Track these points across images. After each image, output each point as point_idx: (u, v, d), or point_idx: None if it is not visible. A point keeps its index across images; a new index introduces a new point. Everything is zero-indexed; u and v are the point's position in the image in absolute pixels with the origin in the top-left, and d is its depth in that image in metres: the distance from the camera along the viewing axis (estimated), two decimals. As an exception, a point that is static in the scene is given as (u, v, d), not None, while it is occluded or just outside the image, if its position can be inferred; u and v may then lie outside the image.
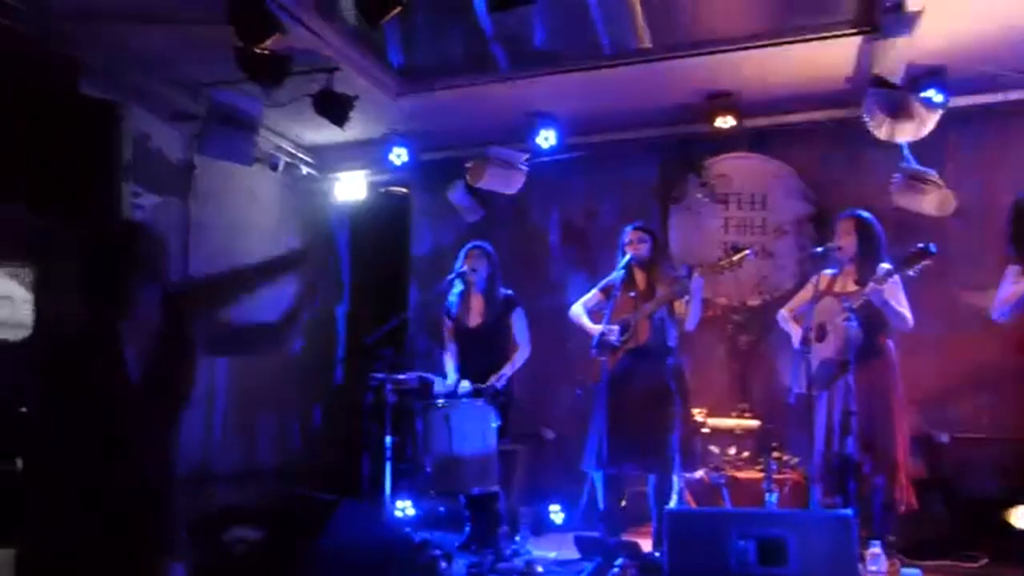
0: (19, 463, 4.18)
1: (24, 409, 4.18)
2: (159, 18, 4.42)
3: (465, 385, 5.00)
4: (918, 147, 5.24)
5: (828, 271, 4.60)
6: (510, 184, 6.16)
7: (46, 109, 4.35)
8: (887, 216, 4.86)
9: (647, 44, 5.02)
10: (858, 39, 4.79)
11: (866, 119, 5.07)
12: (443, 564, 4.43)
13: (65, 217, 4.37)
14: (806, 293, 4.70)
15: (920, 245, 4.14)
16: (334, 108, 5.03)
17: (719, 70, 5.24)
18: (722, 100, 5.62)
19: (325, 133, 5.92)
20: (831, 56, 5.01)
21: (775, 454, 5.20)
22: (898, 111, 4.96)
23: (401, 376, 5.34)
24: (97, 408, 4.11)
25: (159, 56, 4.95)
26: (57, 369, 3.34)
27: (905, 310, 4.34)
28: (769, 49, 4.92)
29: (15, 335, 5.02)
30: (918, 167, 5.27)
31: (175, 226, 5.52)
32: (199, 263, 5.65)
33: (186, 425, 5.45)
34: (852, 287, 4.45)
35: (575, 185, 6.58)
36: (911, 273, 4.19)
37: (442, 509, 5.50)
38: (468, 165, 6.21)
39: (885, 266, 4.34)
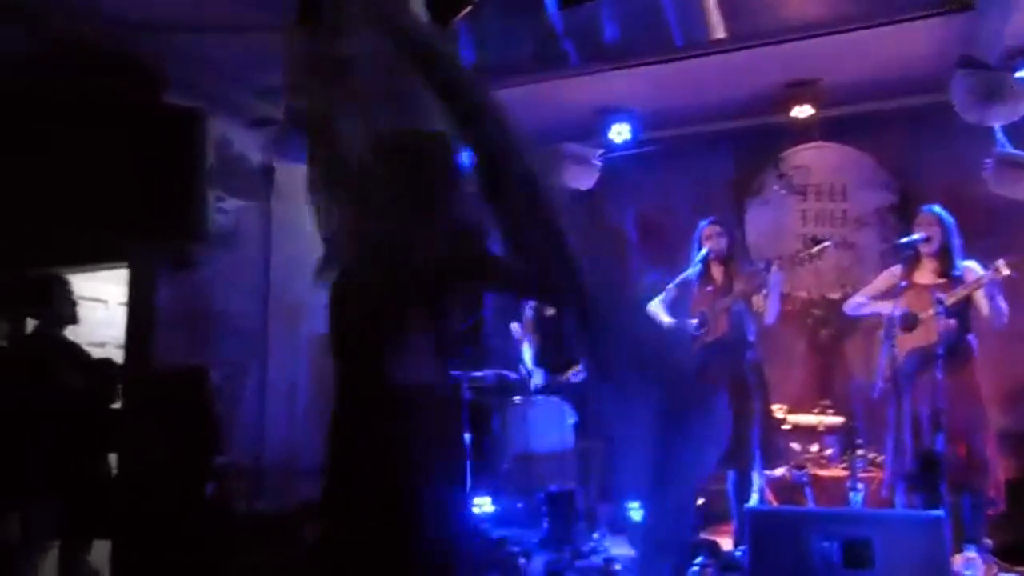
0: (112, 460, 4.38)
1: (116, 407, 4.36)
2: (237, 28, 4.54)
3: (537, 380, 5.00)
4: (1013, 130, 5.00)
5: (899, 265, 4.48)
6: (584, 180, 6.12)
7: (132, 118, 4.52)
8: (979, 204, 4.67)
9: (721, 34, 4.93)
10: (948, 18, 4.60)
11: (955, 103, 4.87)
12: (522, 561, 4.45)
13: (153, 222, 4.53)
14: (881, 284, 4.58)
15: None
16: (407, 108, 5.07)
17: (797, 58, 5.11)
18: (800, 89, 5.48)
19: (399, 132, 5.97)
20: (918, 38, 4.83)
21: (860, 451, 5.05)
22: (990, 93, 4.74)
23: (478, 374, 5.37)
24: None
25: (238, 64, 5.08)
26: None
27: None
28: (852, 33, 4.77)
29: (108, 336, 5.26)
30: (1013, 151, 5.03)
31: (257, 229, 5.67)
32: (280, 264, 5.79)
33: (271, 423, 5.65)
34: (938, 280, 4.31)
35: (650, 180, 6.50)
36: None
37: (520, 506, 5.52)
38: (541, 162, 6.19)
39: (970, 264, 4.23)
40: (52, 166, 4.96)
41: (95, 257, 5.05)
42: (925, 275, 4.41)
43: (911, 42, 4.88)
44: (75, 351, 4.24)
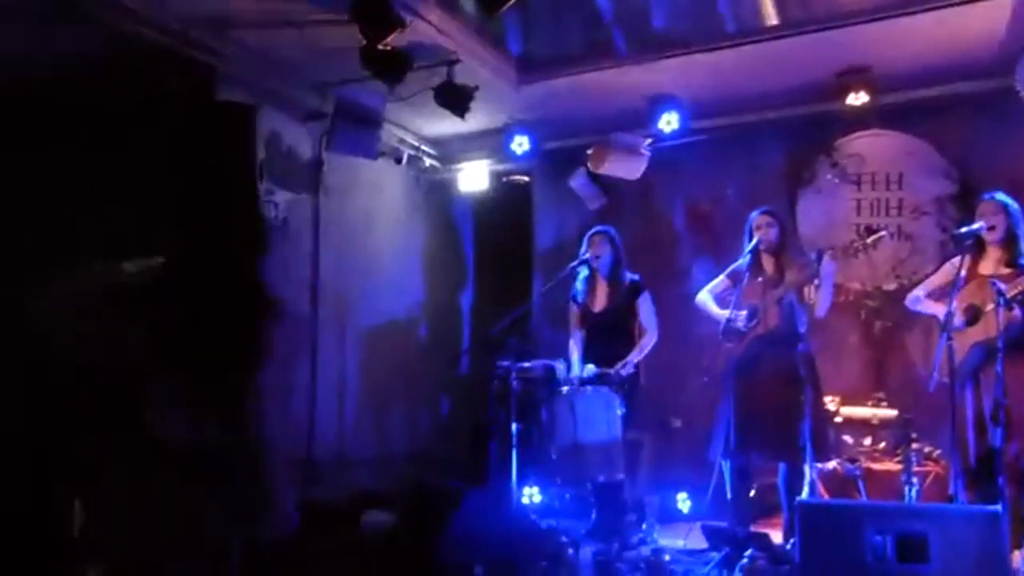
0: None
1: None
2: (287, 23, 4.60)
3: (590, 368, 5.01)
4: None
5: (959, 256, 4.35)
6: (633, 170, 6.09)
7: (185, 113, 4.60)
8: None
9: (773, 21, 4.85)
10: (1007, 1, 4.47)
11: (1019, 88, 4.72)
12: (570, 551, 4.44)
13: (206, 215, 4.61)
14: (943, 276, 4.46)
15: None
16: (455, 99, 5.10)
17: (852, 44, 5.00)
18: (855, 76, 5.36)
19: (447, 125, 6.01)
20: (980, 21, 4.68)
21: (915, 445, 4.95)
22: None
23: (526, 364, 5.38)
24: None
25: (288, 59, 5.15)
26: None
27: None
28: (907, 18, 4.65)
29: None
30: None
31: (306, 221, 5.75)
32: (329, 256, 5.87)
33: (322, 413, 5.74)
34: (1003, 270, 4.19)
35: (700, 169, 6.42)
36: None
37: (568, 496, 5.52)
38: (590, 151, 6.17)
39: None
40: (106, 163, 5.08)
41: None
42: (989, 265, 4.28)
43: (969, 26, 4.74)
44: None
